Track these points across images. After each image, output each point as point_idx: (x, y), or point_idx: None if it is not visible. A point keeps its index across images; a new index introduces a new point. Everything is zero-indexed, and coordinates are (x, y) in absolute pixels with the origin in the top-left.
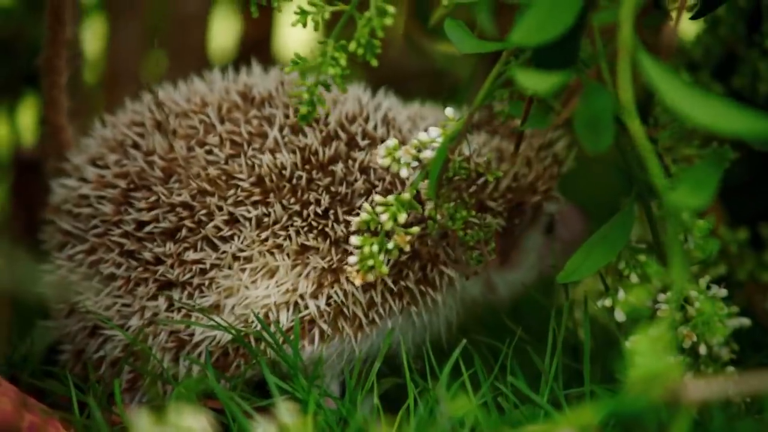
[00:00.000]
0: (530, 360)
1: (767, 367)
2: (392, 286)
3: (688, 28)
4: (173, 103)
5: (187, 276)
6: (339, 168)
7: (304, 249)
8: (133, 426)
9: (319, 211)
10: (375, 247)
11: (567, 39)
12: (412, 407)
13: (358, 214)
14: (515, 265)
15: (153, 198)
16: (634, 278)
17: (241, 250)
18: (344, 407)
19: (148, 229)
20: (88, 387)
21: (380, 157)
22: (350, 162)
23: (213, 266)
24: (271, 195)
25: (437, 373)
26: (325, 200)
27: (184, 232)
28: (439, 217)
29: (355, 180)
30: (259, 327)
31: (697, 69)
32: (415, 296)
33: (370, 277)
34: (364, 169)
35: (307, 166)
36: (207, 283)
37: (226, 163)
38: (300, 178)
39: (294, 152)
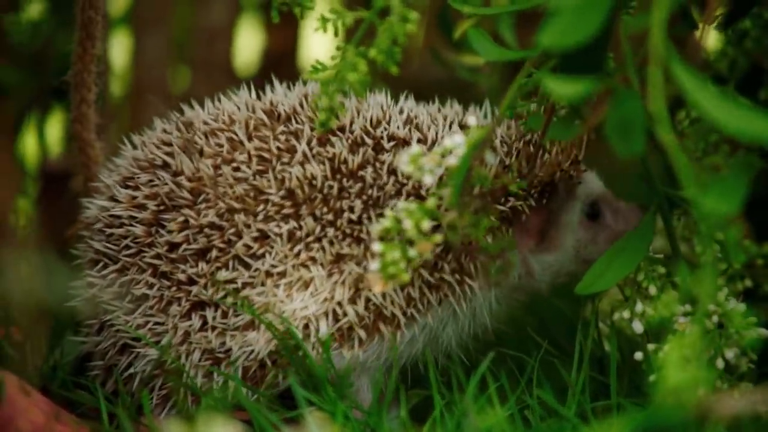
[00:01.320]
0: (557, 373)
1: None
2: (429, 278)
3: (713, 41)
4: (200, 122)
5: (221, 295)
6: (368, 173)
7: (338, 258)
8: None
9: (353, 217)
10: (397, 254)
11: (593, 45)
12: (439, 420)
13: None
14: (551, 245)
15: (182, 219)
16: (652, 290)
17: (274, 266)
18: (372, 419)
19: (179, 250)
20: (118, 398)
21: (404, 164)
22: (378, 165)
23: (246, 284)
24: (303, 207)
25: (464, 385)
26: (358, 207)
27: (214, 252)
28: (461, 226)
29: (385, 183)
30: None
31: (723, 82)
32: (453, 286)
33: (390, 286)
34: (392, 171)
35: (337, 176)
36: (240, 302)
37: (254, 179)
38: (331, 187)
39: (323, 163)
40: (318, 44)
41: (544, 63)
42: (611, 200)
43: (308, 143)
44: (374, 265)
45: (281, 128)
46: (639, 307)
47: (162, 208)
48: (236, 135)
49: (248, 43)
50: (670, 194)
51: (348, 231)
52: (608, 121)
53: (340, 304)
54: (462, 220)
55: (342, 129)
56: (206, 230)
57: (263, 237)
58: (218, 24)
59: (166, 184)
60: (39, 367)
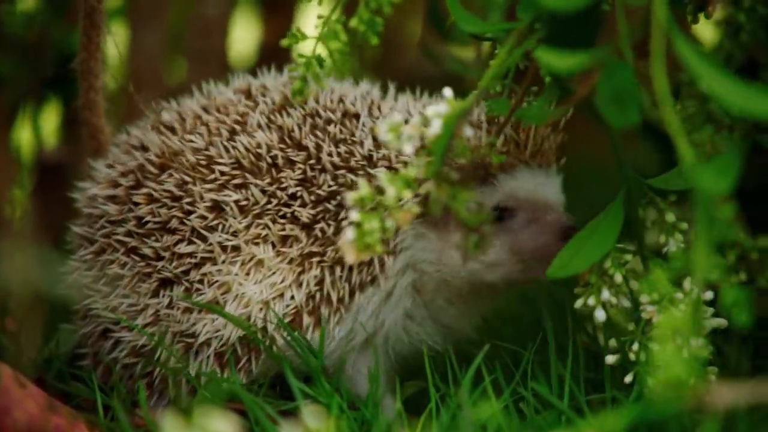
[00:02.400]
0: (552, 366)
1: None
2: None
3: (708, 35)
4: (183, 106)
5: (182, 270)
6: (311, 143)
7: (284, 238)
8: (159, 429)
9: (290, 192)
10: (375, 224)
11: (584, 20)
12: (434, 412)
13: (324, 198)
14: (446, 224)
15: (146, 191)
16: (618, 278)
17: (228, 240)
18: (367, 410)
19: (146, 224)
20: (113, 389)
21: (383, 133)
22: (323, 135)
23: (205, 260)
24: (250, 177)
25: (459, 378)
26: (293, 182)
27: (174, 223)
28: (440, 197)
29: (329, 155)
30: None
31: None
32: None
33: (365, 255)
34: (338, 142)
35: (281, 145)
36: (200, 278)
37: (207, 149)
38: (275, 157)
39: (272, 133)
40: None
41: (528, 38)
42: (534, 208)
43: (262, 114)
44: (349, 234)
45: (245, 103)
46: (606, 294)
47: (132, 183)
48: (204, 111)
49: (244, 35)
50: (638, 183)
51: (285, 208)
52: (600, 93)
53: (289, 287)
54: (440, 192)
55: (303, 104)
56: (167, 201)
57: (217, 208)
58: (213, 16)
59: (137, 160)
60: (34, 359)
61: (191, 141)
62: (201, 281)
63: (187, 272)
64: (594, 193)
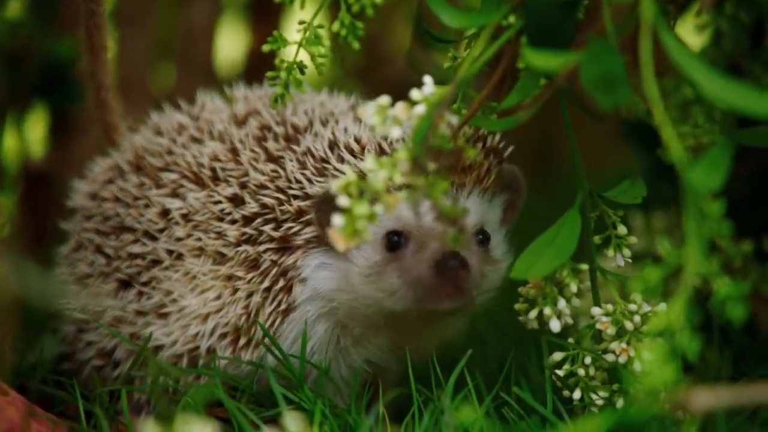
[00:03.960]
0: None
1: None
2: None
3: (692, 41)
4: (176, 112)
5: (134, 271)
6: (246, 158)
7: (219, 254)
8: None
9: (219, 209)
10: (364, 209)
11: (562, 17)
12: (417, 417)
13: (248, 220)
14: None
15: (114, 189)
16: (573, 287)
17: (173, 245)
18: (350, 416)
19: (109, 222)
20: (95, 397)
21: (368, 117)
22: (260, 151)
23: (154, 262)
24: (192, 185)
25: (442, 383)
26: (224, 198)
27: (130, 222)
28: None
29: (261, 173)
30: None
31: None
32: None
33: (354, 243)
34: (273, 159)
35: (224, 158)
36: (148, 280)
37: (168, 154)
38: (215, 169)
39: (224, 143)
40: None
41: (504, 32)
42: (420, 236)
43: (223, 122)
44: (337, 220)
45: (220, 111)
46: (562, 303)
47: (105, 180)
48: (189, 118)
49: (231, 43)
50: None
51: (218, 222)
52: (585, 77)
53: (225, 304)
54: (417, 181)
55: (260, 113)
56: (128, 201)
57: (164, 213)
58: (200, 23)
59: (115, 159)
60: (16, 366)
61: (158, 144)
62: (149, 284)
63: (138, 273)
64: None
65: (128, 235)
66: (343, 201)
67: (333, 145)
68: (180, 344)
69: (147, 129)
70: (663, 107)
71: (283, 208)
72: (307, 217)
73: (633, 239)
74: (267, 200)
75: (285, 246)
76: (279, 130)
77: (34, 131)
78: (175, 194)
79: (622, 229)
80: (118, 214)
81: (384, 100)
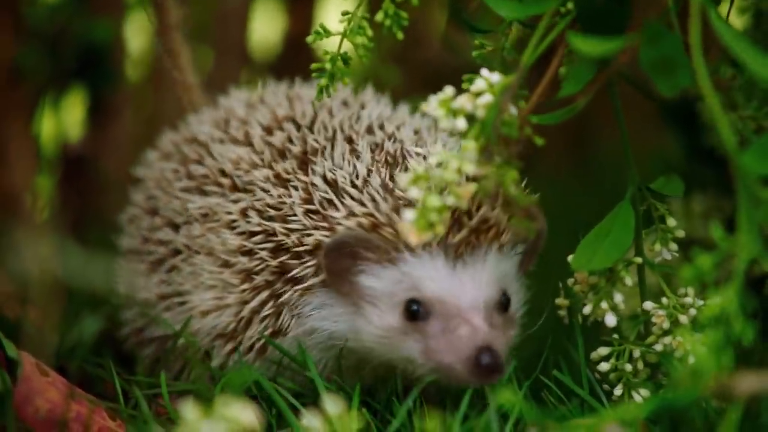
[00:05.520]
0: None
1: None
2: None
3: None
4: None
5: (159, 256)
6: (262, 173)
7: (225, 258)
8: (180, 417)
9: (233, 217)
10: (436, 201)
11: (617, 2)
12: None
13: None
14: (347, 298)
15: (157, 170)
16: (628, 281)
17: (190, 239)
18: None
19: (150, 203)
20: (135, 378)
21: (432, 110)
22: (274, 170)
23: (174, 252)
24: (212, 187)
25: None
26: (235, 208)
27: (161, 208)
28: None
29: (267, 192)
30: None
31: None
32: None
33: (427, 237)
34: (283, 183)
35: (244, 165)
36: (170, 268)
37: (205, 147)
38: (233, 177)
39: (250, 150)
40: (334, 27)
41: (564, 17)
42: (446, 313)
43: (262, 126)
44: (408, 215)
45: (262, 113)
46: (618, 297)
47: (162, 155)
48: (242, 107)
49: (266, 26)
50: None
51: (226, 229)
52: (644, 61)
53: (225, 306)
54: (487, 170)
55: (303, 119)
56: (164, 186)
57: (186, 208)
58: (234, 7)
59: (172, 141)
60: (56, 347)
61: (203, 133)
62: (170, 271)
63: (163, 260)
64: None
65: (158, 220)
66: (413, 193)
67: (333, 185)
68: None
69: (206, 114)
70: (713, 90)
71: (286, 240)
72: (312, 260)
73: (680, 232)
74: (271, 224)
75: (283, 273)
76: (296, 149)
77: (72, 114)
78: (199, 190)
79: (671, 222)
80: (155, 196)
81: (448, 91)
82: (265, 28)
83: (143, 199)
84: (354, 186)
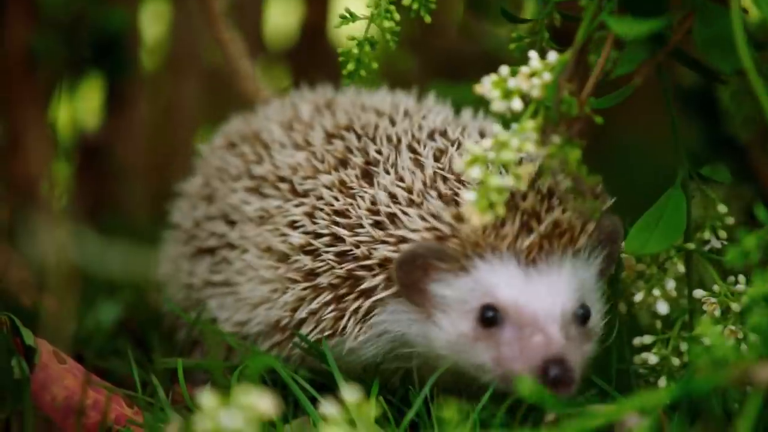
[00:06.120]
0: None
1: None
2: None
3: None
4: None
5: (211, 245)
6: (324, 181)
7: (283, 254)
8: (197, 405)
9: (296, 218)
10: (497, 181)
11: None
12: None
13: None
14: (422, 308)
15: (217, 159)
16: (681, 267)
17: (243, 238)
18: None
19: (206, 189)
20: (152, 366)
21: (486, 90)
22: (338, 179)
23: (228, 244)
24: (269, 189)
25: None
26: (298, 210)
27: (218, 199)
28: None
29: (336, 198)
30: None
31: None
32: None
33: (488, 217)
34: (348, 193)
35: (300, 173)
36: (221, 259)
37: (267, 146)
38: (292, 182)
39: (310, 155)
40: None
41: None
42: (519, 321)
43: (326, 134)
44: (469, 195)
45: (327, 120)
46: (671, 284)
47: (225, 144)
48: (316, 110)
49: (282, 15)
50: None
51: (287, 228)
52: (699, 40)
53: (275, 300)
54: (548, 150)
55: (364, 129)
56: (223, 177)
57: (237, 208)
58: None
59: (237, 131)
60: (73, 334)
61: (266, 130)
62: (221, 262)
63: (214, 249)
64: (637, 175)
65: (213, 210)
66: (474, 173)
67: (395, 198)
68: (228, 325)
69: (273, 110)
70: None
71: (355, 251)
72: (382, 273)
73: (730, 219)
74: (339, 230)
75: (348, 279)
76: (358, 160)
77: (89, 102)
78: (258, 192)
79: (722, 208)
80: (213, 185)
81: (503, 71)
82: (282, 17)
83: (201, 183)
84: (412, 203)
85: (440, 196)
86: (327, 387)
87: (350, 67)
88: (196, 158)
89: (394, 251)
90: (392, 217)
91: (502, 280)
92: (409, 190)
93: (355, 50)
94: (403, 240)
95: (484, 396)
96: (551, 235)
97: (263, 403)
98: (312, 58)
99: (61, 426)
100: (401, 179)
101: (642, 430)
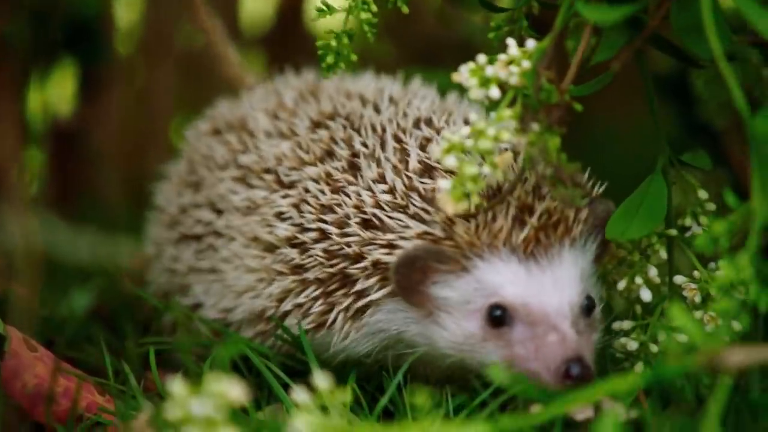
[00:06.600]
0: None
1: None
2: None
3: None
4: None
5: (197, 232)
6: (310, 173)
7: (268, 245)
8: (169, 392)
9: (283, 209)
10: (473, 170)
11: None
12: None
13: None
14: (419, 305)
15: (203, 146)
16: (663, 254)
17: (228, 227)
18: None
19: (193, 176)
20: (124, 354)
21: (464, 79)
22: (324, 171)
23: (214, 233)
24: (254, 180)
25: None
26: (285, 202)
27: (205, 186)
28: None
29: (322, 192)
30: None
31: None
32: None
33: (462, 207)
34: (334, 188)
35: (285, 163)
36: (207, 246)
37: (252, 136)
38: (277, 172)
39: (295, 146)
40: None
41: None
42: (531, 320)
43: (305, 119)
44: (445, 183)
45: (312, 107)
46: (653, 271)
47: (211, 129)
48: (292, 95)
49: (257, 1)
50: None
51: (274, 219)
52: (676, 24)
53: (261, 289)
54: (528, 138)
55: (349, 118)
56: (210, 165)
57: (224, 197)
58: None
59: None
60: (43, 322)
61: (252, 119)
62: (206, 250)
63: (200, 237)
64: (614, 163)
65: (200, 198)
66: (450, 162)
67: (387, 196)
68: (214, 311)
69: (258, 96)
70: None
71: (346, 249)
72: (375, 275)
73: (711, 205)
74: (327, 226)
75: (337, 276)
76: (343, 153)
77: (62, 89)
78: (243, 181)
79: (702, 194)
80: (200, 173)
81: (480, 59)
82: (257, 3)
83: (187, 169)
84: (397, 206)
85: (421, 196)
86: (304, 374)
87: (329, 60)
88: (180, 142)
89: (387, 254)
90: (380, 220)
91: (505, 279)
92: (392, 191)
93: (334, 43)
94: (394, 245)
95: (460, 384)
96: (546, 227)
97: (234, 390)
98: (288, 43)
99: (31, 413)
100: (383, 178)
101: (612, 415)
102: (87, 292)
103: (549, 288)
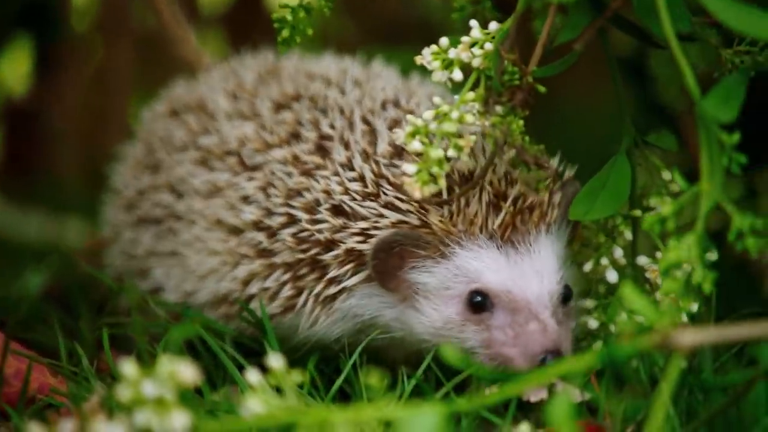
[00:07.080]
0: None
1: (758, 317)
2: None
3: None
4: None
5: (156, 215)
6: (276, 155)
7: (232, 228)
8: (121, 373)
9: (248, 193)
10: (439, 153)
11: None
12: None
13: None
14: (395, 290)
15: (161, 128)
16: (628, 235)
17: (190, 210)
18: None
19: (151, 158)
20: (78, 335)
21: (426, 62)
22: (291, 154)
23: (174, 216)
24: (216, 162)
25: None
26: (251, 185)
27: (164, 168)
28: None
29: (288, 174)
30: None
31: None
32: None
33: (429, 191)
34: (303, 171)
35: (248, 144)
36: (167, 230)
37: (212, 118)
38: (240, 154)
39: (257, 127)
40: None
41: None
42: (511, 307)
43: (273, 104)
44: (410, 168)
45: (274, 89)
46: (618, 252)
47: (167, 111)
48: (252, 76)
49: None
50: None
51: (239, 202)
52: (638, 6)
53: (225, 273)
54: (491, 120)
55: (314, 100)
56: (168, 148)
57: (183, 180)
58: None
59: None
60: None
61: (211, 101)
62: (166, 234)
63: (159, 220)
64: (577, 144)
65: (159, 181)
66: (415, 146)
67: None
68: (175, 294)
69: (216, 77)
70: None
71: (317, 236)
72: (348, 261)
73: (676, 186)
74: (295, 212)
75: (305, 261)
76: (310, 135)
77: (18, 67)
78: (203, 163)
79: (667, 175)
80: (158, 155)
81: (443, 41)
82: None
83: (144, 152)
84: (368, 195)
85: (390, 183)
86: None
87: (285, 33)
88: (136, 123)
89: (362, 242)
90: (351, 208)
91: (486, 265)
92: (361, 179)
93: (289, 17)
94: (368, 234)
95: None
96: (522, 212)
97: (186, 371)
98: (248, 22)
99: None
100: (351, 163)
101: (564, 396)
102: (40, 272)
103: (530, 276)
